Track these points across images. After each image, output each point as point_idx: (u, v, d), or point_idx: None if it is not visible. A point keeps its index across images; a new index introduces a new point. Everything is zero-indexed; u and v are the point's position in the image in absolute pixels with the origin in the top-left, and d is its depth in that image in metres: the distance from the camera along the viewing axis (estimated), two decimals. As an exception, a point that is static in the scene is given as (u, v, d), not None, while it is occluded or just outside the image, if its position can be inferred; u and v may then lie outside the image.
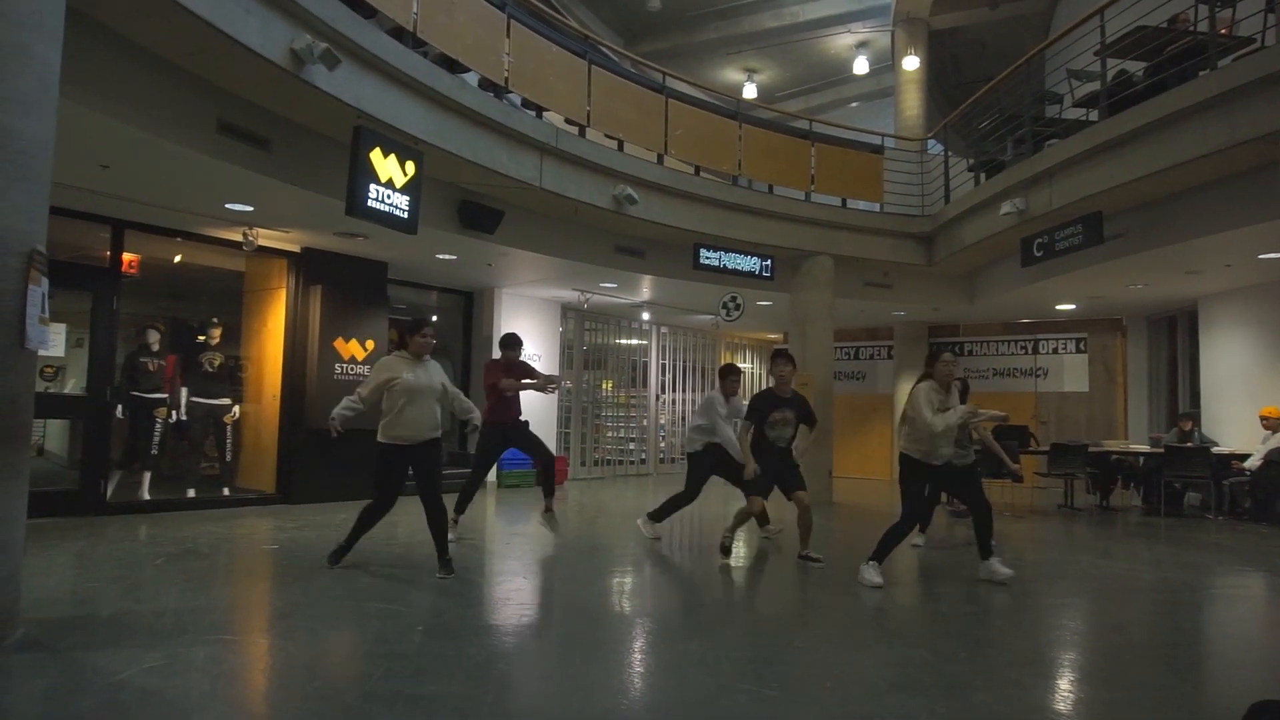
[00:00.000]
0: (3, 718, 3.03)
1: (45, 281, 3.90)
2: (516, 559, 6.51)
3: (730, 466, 6.84)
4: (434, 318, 12.48)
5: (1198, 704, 3.60)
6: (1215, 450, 9.69)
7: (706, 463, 7.00)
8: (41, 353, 4.10)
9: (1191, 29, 7.38)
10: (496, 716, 3.15)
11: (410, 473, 5.58)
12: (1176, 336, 12.30)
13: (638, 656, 4.10)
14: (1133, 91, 7.66)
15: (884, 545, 5.75)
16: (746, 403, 6.87)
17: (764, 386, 17.64)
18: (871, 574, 5.64)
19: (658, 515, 7.32)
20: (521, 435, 7.24)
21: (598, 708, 3.30)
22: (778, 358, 6.63)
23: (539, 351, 12.47)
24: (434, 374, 5.59)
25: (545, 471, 7.17)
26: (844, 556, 7.14)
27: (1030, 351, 14.20)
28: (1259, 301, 10.07)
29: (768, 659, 4.00)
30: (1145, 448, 10.75)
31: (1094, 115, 8.25)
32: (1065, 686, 3.79)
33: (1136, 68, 8.04)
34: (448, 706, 3.19)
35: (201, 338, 9.18)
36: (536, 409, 12.36)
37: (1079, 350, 13.78)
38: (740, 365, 17.35)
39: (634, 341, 15.21)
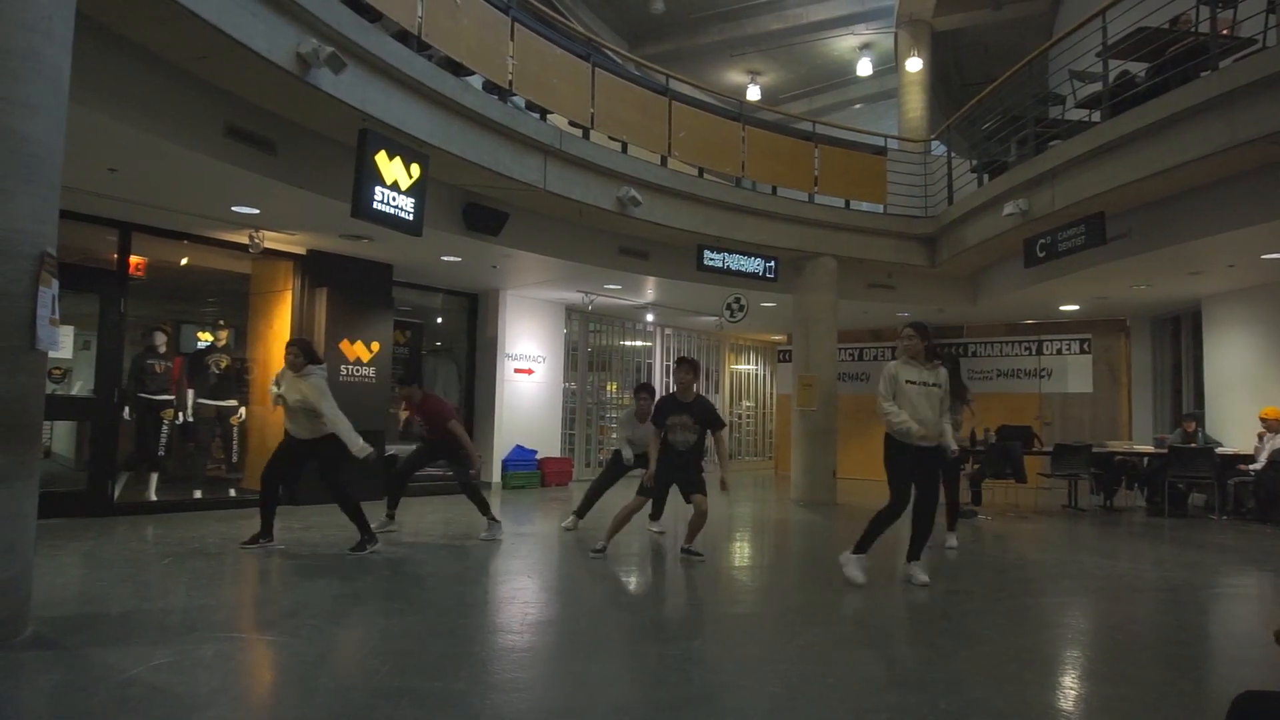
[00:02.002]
0: (16, 713, 3.07)
1: (55, 284, 3.95)
2: (521, 558, 6.54)
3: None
4: (439, 319, 12.54)
5: (1199, 701, 3.61)
6: (1219, 451, 9.69)
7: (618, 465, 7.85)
8: (50, 354, 4.15)
9: (1193, 30, 7.39)
10: (502, 713, 3.18)
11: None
12: (1180, 337, 12.29)
13: (641, 654, 4.12)
14: (1135, 92, 7.67)
15: (867, 534, 5.52)
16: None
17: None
18: (852, 568, 5.46)
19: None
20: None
21: (602, 704, 3.33)
22: (680, 364, 6.50)
23: (544, 353, 12.52)
24: (293, 387, 6.18)
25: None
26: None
27: (1034, 352, 14.19)
28: (1263, 302, 10.06)
29: (770, 657, 4.03)
30: (1149, 448, 10.74)
31: (1096, 116, 8.26)
32: (1067, 683, 3.81)
33: (1139, 69, 8.05)
34: (454, 703, 3.22)
35: (207, 335, 9.22)
36: (540, 409, 12.44)
37: (1083, 351, 13.76)
38: (743, 367, 17.36)
39: (638, 343, 15.24)
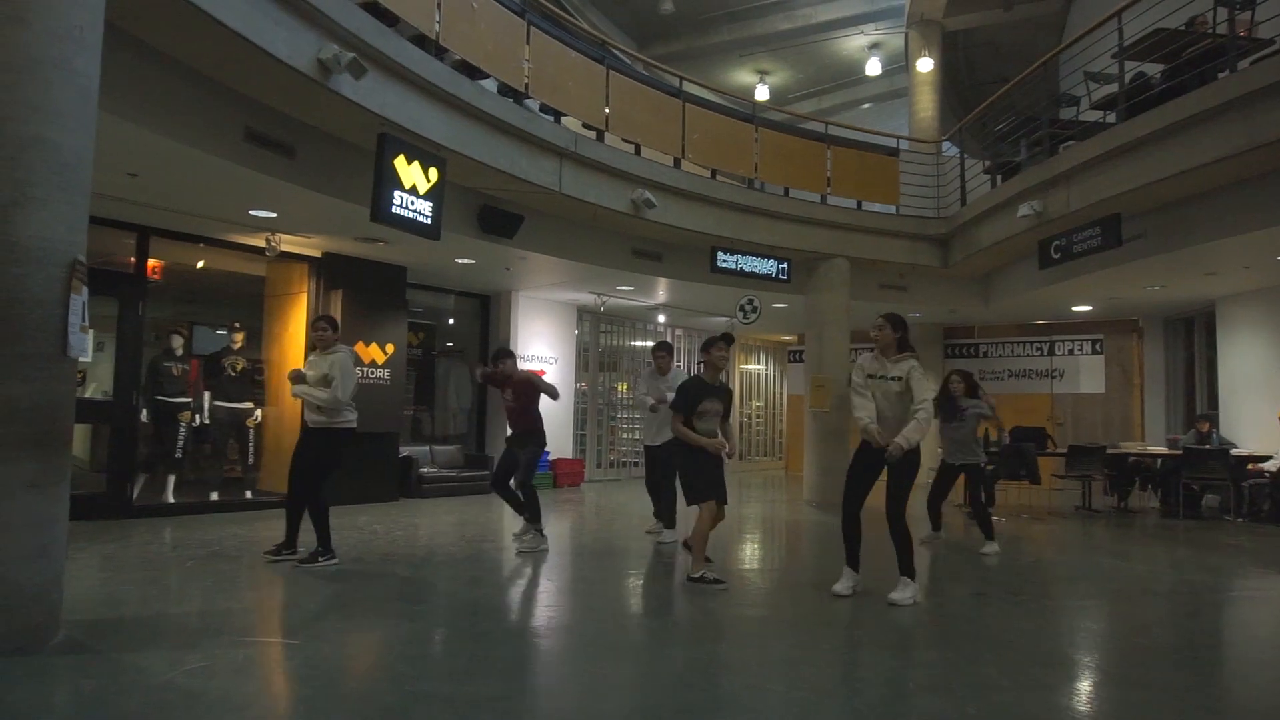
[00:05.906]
0: (53, 718, 3.10)
1: (85, 291, 3.98)
2: (539, 560, 6.55)
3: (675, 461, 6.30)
4: (451, 320, 12.58)
5: (1222, 705, 3.62)
6: (1233, 452, 9.67)
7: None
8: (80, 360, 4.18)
9: (1210, 31, 7.38)
10: (530, 716, 3.21)
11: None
12: (1194, 338, 12.26)
13: (667, 657, 4.14)
14: (1151, 94, 7.66)
15: (904, 557, 5.13)
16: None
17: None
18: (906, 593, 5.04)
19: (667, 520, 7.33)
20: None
21: (629, 707, 3.36)
22: (718, 341, 5.71)
23: (555, 354, 12.54)
24: (320, 366, 5.93)
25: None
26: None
27: (1046, 353, 14.17)
28: (1277, 303, 10.03)
29: (796, 660, 4.05)
30: (1163, 449, 10.73)
31: (1112, 117, 8.25)
32: (1090, 688, 3.81)
33: (1154, 70, 8.04)
34: (482, 707, 3.24)
35: (240, 336, 9.17)
36: (551, 410, 12.43)
37: (1095, 351, 13.75)
38: (753, 367, 17.39)
39: (649, 344, 15.24)
